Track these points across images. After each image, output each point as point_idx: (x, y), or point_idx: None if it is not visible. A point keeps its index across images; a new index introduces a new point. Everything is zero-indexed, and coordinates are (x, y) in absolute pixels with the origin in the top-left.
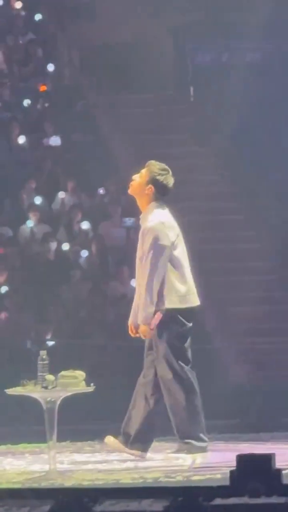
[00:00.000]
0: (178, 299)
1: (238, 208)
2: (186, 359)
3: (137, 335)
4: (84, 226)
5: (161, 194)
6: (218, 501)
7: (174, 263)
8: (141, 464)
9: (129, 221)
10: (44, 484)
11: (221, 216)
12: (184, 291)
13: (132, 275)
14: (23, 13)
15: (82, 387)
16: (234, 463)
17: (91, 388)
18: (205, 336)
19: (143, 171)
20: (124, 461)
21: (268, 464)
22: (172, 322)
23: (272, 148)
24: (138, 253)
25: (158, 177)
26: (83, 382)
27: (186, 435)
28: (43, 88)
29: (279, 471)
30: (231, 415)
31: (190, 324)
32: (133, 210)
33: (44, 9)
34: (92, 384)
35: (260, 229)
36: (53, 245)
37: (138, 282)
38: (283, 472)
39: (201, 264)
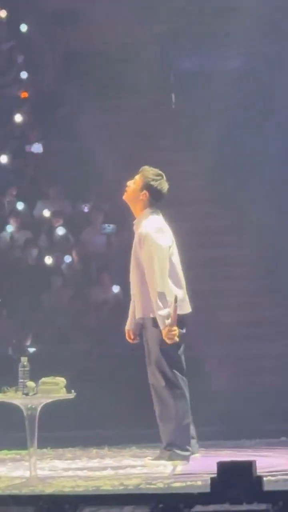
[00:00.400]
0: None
1: (224, 213)
2: (179, 366)
3: (135, 341)
4: (63, 232)
5: (156, 199)
6: (198, 508)
7: (169, 269)
8: (121, 470)
9: (108, 227)
10: (24, 491)
11: (207, 222)
12: (181, 296)
13: (114, 281)
14: (6, 19)
15: (62, 394)
16: (215, 470)
17: (71, 395)
18: (186, 342)
19: (137, 177)
20: (105, 468)
21: (248, 471)
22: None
23: (256, 154)
24: (133, 261)
25: (152, 183)
26: (64, 389)
27: (170, 443)
28: (24, 94)
29: (259, 478)
30: (212, 421)
31: (183, 331)
32: (115, 217)
33: (28, 15)
34: (73, 390)
35: (246, 234)
36: (34, 252)
37: (134, 290)
38: (264, 479)
39: (184, 270)
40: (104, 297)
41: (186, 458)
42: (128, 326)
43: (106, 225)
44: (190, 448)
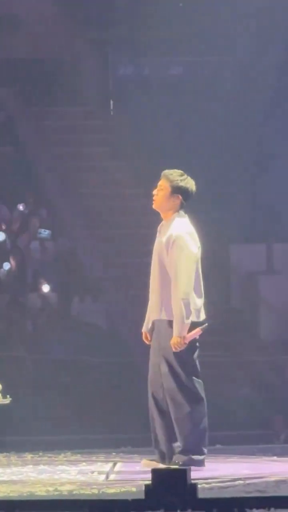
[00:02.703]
0: (195, 312)
1: (159, 222)
2: (195, 369)
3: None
4: (2, 238)
5: (187, 200)
6: None
7: (195, 275)
8: (56, 476)
9: (44, 232)
10: None
11: (141, 230)
12: (199, 304)
13: (49, 287)
14: None
15: None
16: (150, 477)
17: (7, 400)
18: (125, 348)
19: (162, 182)
20: (40, 473)
21: (183, 478)
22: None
23: (192, 161)
24: (155, 264)
25: (181, 184)
26: (0, 394)
27: (186, 449)
28: None
29: (194, 485)
30: (148, 429)
31: (198, 337)
32: (51, 223)
33: None
34: (8, 396)
35: None
36: None
37: (153, 292)
38: (199, 486)
39: (123, 279)
40: (41, 303)
41: (202, 464)
42: (145, 328)
43: (42, 230)
44: (205, 452)
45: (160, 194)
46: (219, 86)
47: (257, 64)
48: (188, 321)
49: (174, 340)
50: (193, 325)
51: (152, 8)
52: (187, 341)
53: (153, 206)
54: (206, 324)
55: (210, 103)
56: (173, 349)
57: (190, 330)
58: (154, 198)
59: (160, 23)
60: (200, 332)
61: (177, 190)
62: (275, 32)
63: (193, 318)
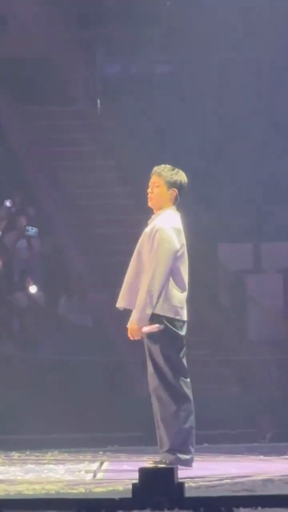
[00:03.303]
0: (171, 308)
1: (147, 220)
2: (180, 367)
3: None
4: None
5: (181, 192)
6: None
7: (174, 271)
8: (43, 475)
9: (31, 230)
10: None
11: (129, 229)
12: (177, 302)
13: (36, 286)
14: None
15: None
16: (137, 476)
17: None
18: (112, 347)
19: (155, 179)
20: (27, 472)
21: (170, 478)
22: (164, 330)
23: (179, 160)
24: (140, 249)
25: (176, 178)
26: None
27: (173, 448)
28: None
29: (181, 484)
30: (136, 427)
31: (183, 333)
32: (38, 221)
33: None
34: None
35: None
36: None
37: (130, 277)
38: (186, 485)
39: (109, 277)
40: (28, 301)
41: (188, 463)
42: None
43: (30, 227)
44: (193, 452)
45: (156, 191)
46: (206, 85)
47: (243, 61)
48: (149, 312)
49: (130, 326)
50: (168, 321)
51: (139, 7)
52: (143, 333)
53: (150, 204)
54: (161, 326)
55: (196, 101)
56: (129, 336)
57: (174, 327)
58: (149, 196)
59: (148, 21)
60: (156, 329)
61: (172, 184)
62: (260, 30)
63: (167, 313)
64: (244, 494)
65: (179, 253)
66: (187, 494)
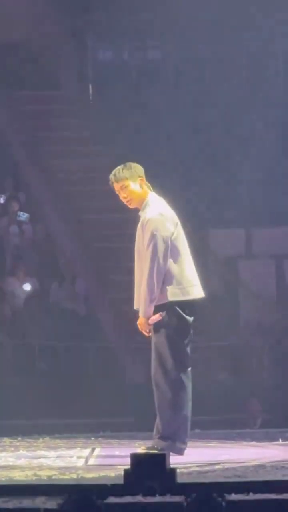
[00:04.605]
0: (179, 291)
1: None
2: (183, 355)
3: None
4: None
5: (144, 174)
6: (111, 499)
7: (174, 254)
8: (35, 461)
9: (23, 215)
10: None
11: (121, 215)
12: (184, 282)
13: (27, 273)
14: None
15: None
16: (129, 462)
17: None
18: (102, 334)
19: (117, 186)
20: (18, 458)
21: (162, 463)
22: (170, 315)
23: (171, 147)
24: (138, 246)
25: (130, 170)
26: None
27: (166, 435)
28: None
29: (173, 470)
30: (128, 413)
31: (191, 318)
32: (30, 207)
33: None
34: None
35: None
36: None
37: (138, 276)
38: (177, 471)
39: (99, 264)
40: (20, 287)
41: (180, 451)
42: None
43: (21, 213)
44: (186, 441)
45: (126, 193)
46: (198, 71)
47: (234, 49)
48: (151, 304)
49: (138, 321)
50: (175, 304)
51: None
52: (151, 322)
53: (132, 207)
54: (163, 313)
55: (189, 87)
56: (140, 331)
57: (172, 309)
58: (125, 201)
59: (139, 7)
60: (160, 317)
61: (133, 176)
62: (251, 19)
63: (175, 297)
64: (236, 480)
65: (174, 236)
66: (179, 480)
